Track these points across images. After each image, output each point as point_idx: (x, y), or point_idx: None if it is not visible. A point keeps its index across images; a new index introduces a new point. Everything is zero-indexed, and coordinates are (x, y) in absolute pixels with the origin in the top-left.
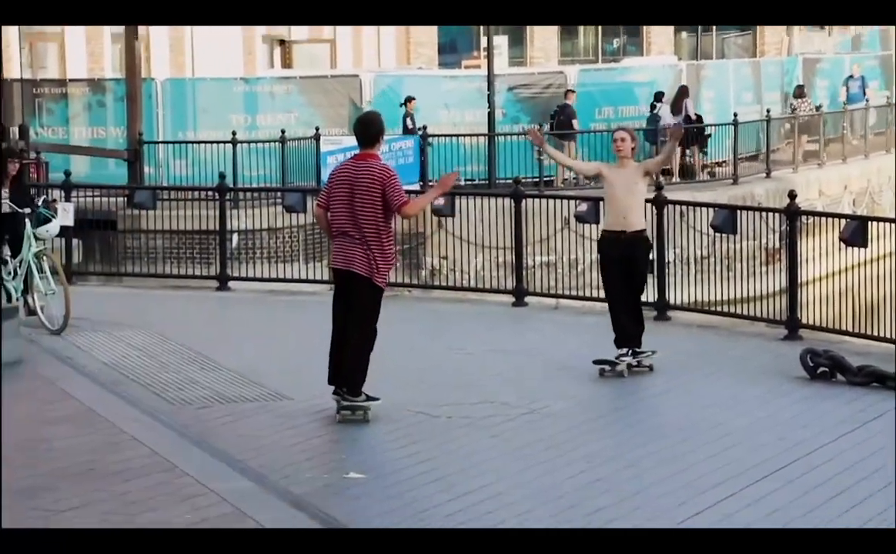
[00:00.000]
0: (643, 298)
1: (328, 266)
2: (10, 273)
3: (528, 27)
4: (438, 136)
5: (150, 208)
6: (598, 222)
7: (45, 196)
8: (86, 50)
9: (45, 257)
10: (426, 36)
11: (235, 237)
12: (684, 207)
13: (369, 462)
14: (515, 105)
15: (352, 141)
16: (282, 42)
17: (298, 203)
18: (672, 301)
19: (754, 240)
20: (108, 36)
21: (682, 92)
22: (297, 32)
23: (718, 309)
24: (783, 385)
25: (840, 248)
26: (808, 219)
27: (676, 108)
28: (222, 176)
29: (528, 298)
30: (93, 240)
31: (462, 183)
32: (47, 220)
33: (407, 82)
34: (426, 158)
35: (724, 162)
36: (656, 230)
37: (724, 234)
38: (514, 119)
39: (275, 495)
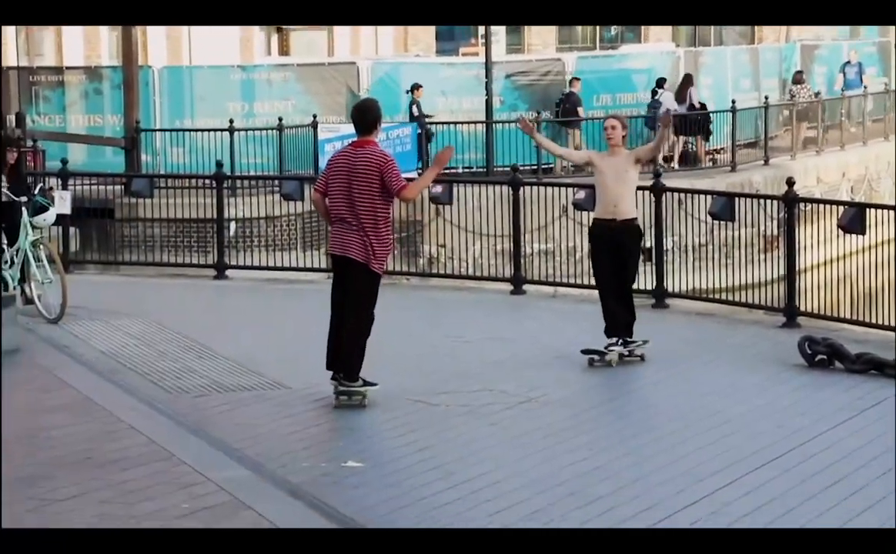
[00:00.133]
0: (642, 286)
1: (326, 254)
2: (6, 262)
3: None
4: (436, 123)
5: (148, 196)
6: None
7: (41, 184)
8: (82, 37)
9: (41, 246)
10: None
11: (233, 225)
12: (682, 195)
13: (367, 451)
14: (513, 92)
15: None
16: (279, 29)
17: (296, 191)
18: (670, 289)
19: (752, 227)
20: None
21: (687, 80)
22: None
23: (717, 297)
24: (781, 373)
25: (838, 236)
26: (806, 206)
27: (681, 96)
28: (219, 164)
29: (526, 286)
30: (90, 228)
31: (460, 170)
32: (44, 209)
33: (404, 70)
34: (427, 146)
35: (723, 149)
36: (654, 217)
37: (722, 222)
38: (511, 106)
39: (272, 484)
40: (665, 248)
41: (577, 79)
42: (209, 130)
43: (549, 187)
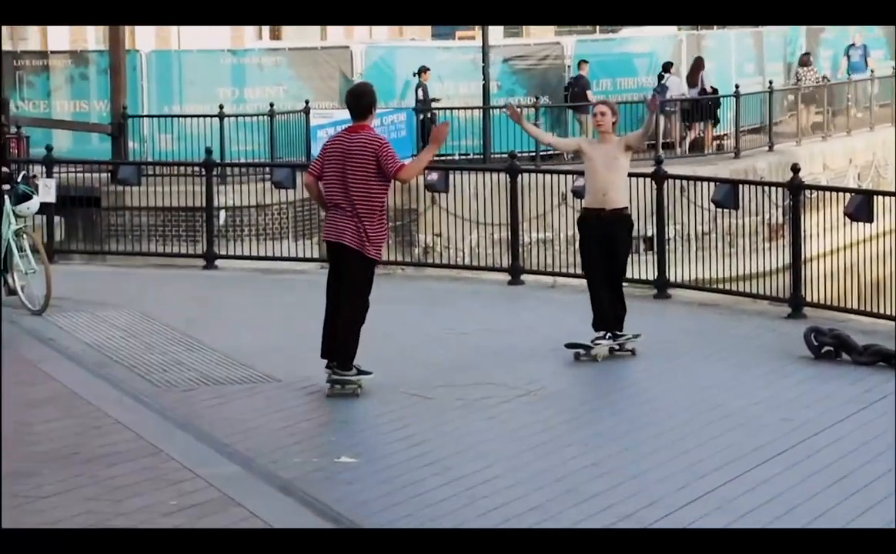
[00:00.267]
0: (643, 276)
1: (318, 243)
2: None
3: None
4: (433, 108)
5: (135, 184)
6: None
7: (25, 172)
8: None
9: (25, 235)
10: None
11: (223, 214)
12: (685, 182)
13: (360, 445)
14: (511, 77)
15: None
16: None
17: (288, 179)
18: (672, 279)
19: (757, 215)
20: None
21: (698, 63)
22: None
23: (720, 287)
24: (786, 365)
25: (845, 224)
26: (811, 193)
27: (693, 80)
28: (209, 151)
29: (524, 276)
30: (75, 217)
31: (456, 157)
32: (28, 197)
33: (399, 54)
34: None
35: (726, 135)
36: (656, 205)
37: (725, 210)
38: (509, 91)
39: (263, 480)
40: (667, 236)
41: (586, 61)
42: (198, 116)
43: (548, 175)
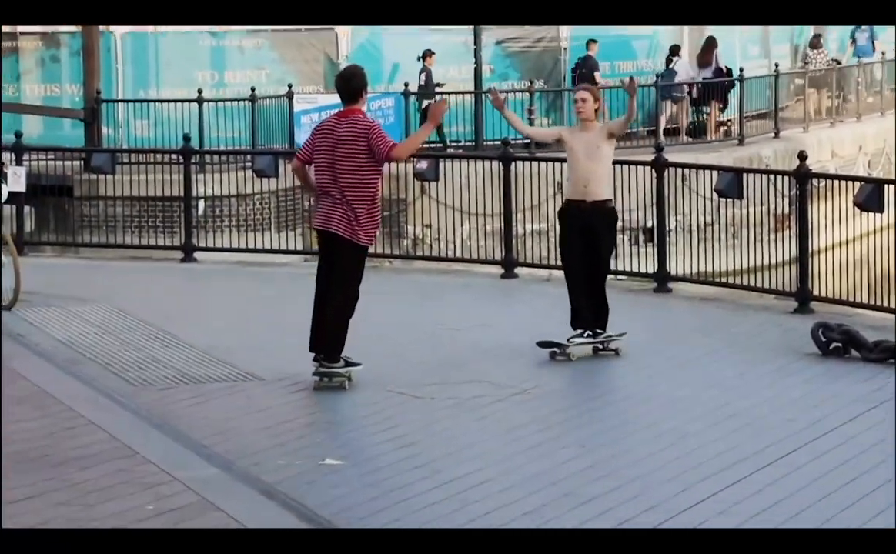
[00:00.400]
0: (643, 269)
1: (302, 234)
2: None
3: None
4: (420, 94)
5: (109, 173)
6: None
7: None
8: None
9: None
10: None
11: (202, 204)
12: (686, 170)
13: (346, 447)
14: (504, 60)
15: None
16: None
17: (270, 167)
18: (673, 272)
19: (762, 205)
20: None
21: (711, 43)
22: None
23: (723, 280)
24: (793, 362)
25: (854, 214)
26: (819, 182)
27: (705, 60)
28: (187, 137)
29: (518, 269)
30: (46, 207)
31: (447, 145)
32: None
33: (386, 36)
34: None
35: (730, 121)
36: (656, 195)
37: (729, 200)
38: (502, 75)
39: (244, 484)
40: (667, 228)
41: (595, 41)
42: (176, 101)
43: (543, 163)
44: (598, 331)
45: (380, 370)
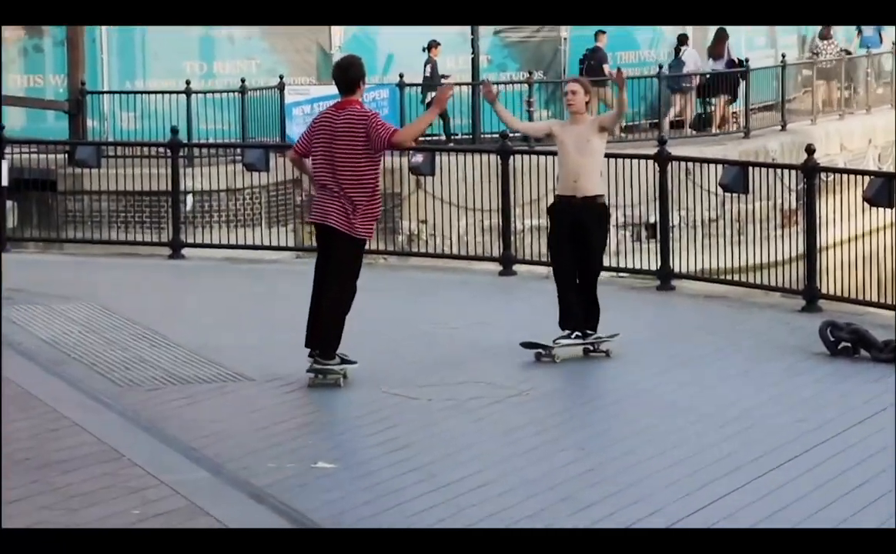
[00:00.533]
0: (645, 266)
1: (294, 230)
2: None
3: None
4: (418, 85)
5: (94, 166)
6: None
7: None
8: None
9: None
10: None
11: (190, 199)
12: (690, 164)
13: (339, 450)
14: (502, 50)
15: (320, 91)
16: None
17: (260, 160)
18: (676, 269)
19: (768, 200)
20: None
21: (722, 34)
22: None
23: (728, 278)
24: (800, 362)
25: (864, 209)
26: (828, 176)
27: (717, 51)
28: (175, 130)
29: (516, 267)
30: (29, 202)
31: (443, 138)
32: None
33: (380, 26)
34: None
35: (735, 113)
36: (659, 190)
37: (734, 194)
38: (500, 66)
39: (233, 488)
40: (671, 223)
41: (604, 32)
42: (163, 93)
43: (542, 156)
44: (589, 331)
45: (374, 370)
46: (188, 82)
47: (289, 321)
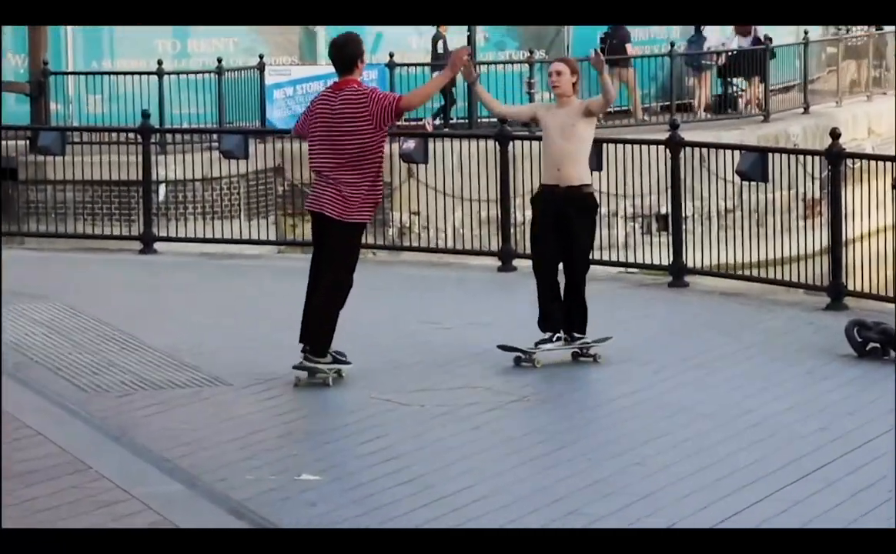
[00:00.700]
0: (656, 261)
1: (275, 222)
2: None
3: None
4: (409, 65)
5: (59, 154)
6: (600, 169)
7: None
8: None
9: None
10: None
11: (162, 189)
12: (705, 150)
13: (325, 461)
14: (500, 28)
15: (302, 71)
16: None
17: (239, 147)
18: (689, 264)
19: (789, 189)
20: None
21: None
22: None
23: (746, 273)
24: (825, 365)
25: (893, 198)
26: (854, 163)
27: (744, 29)
28: (146, 114)
29: (516, 262)
30: None
31: (437, 122)
32: None
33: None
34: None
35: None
36: (671, 178)
37: (752, 183)
38: (498, 44)
39: (210, 502)
40: (684, 215)
41: None
42: (133, 74)
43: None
44: (577, 335)
45: (363, 374)
46: (160, 62)
47: (270, 321)
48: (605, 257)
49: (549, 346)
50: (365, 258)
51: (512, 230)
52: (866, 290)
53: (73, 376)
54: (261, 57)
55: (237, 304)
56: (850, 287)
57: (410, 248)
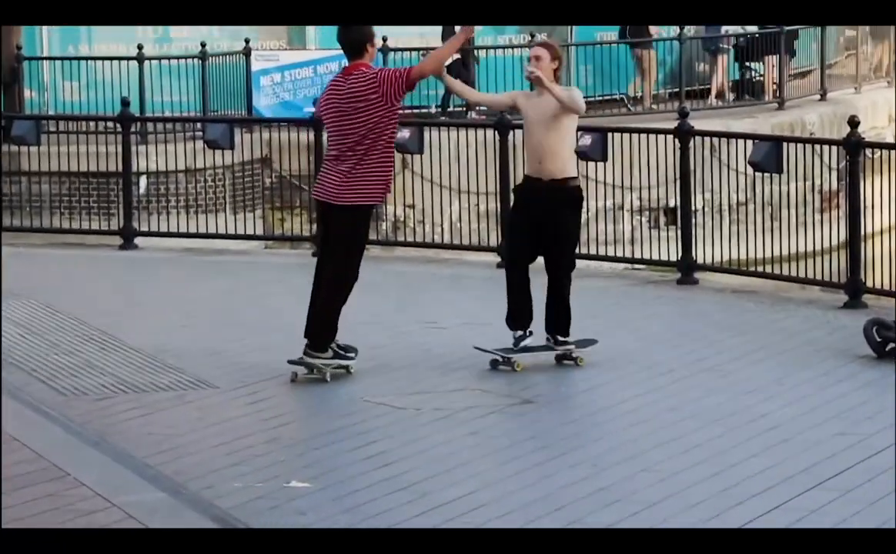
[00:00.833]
0: (664, 256)
1: (262, 216)
2: None
3: None
4: (403, 50)
5: (33, 144)
6: (605, 159)
7: None
8: None
9: None
10: None
11: (143, 181)
12: (715, 140)
13: (316, 467)
14: None
15: (291, 57)
16: None
17: (224, 137)
18: (699, 260)
19: (805, 181)
20: None
21: None
22: None
23: (759, 270)
24: (842, 366)
25: None
26: (874, 153)
27: None
28: (126, 102)
29: None
30: None
31: (432, 110)
32: None
33: None
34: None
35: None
36: (680, 169)
37: (766, 174)
38: (497, 28)
39: (194, 510)
40: (693, 208)
41: None
42: (112, 59)
43: None
44: (560, 338)
45: (356, 377)
46: (140, 47)
47: (258, 320)
48: (611, 253)
49: (532, 349)
50: None
51: None
52: (886, 287)
53: (51, 378)
54: (247, 42)
55: (223, 302)
56: (869, 284)
57: (405, 244)
